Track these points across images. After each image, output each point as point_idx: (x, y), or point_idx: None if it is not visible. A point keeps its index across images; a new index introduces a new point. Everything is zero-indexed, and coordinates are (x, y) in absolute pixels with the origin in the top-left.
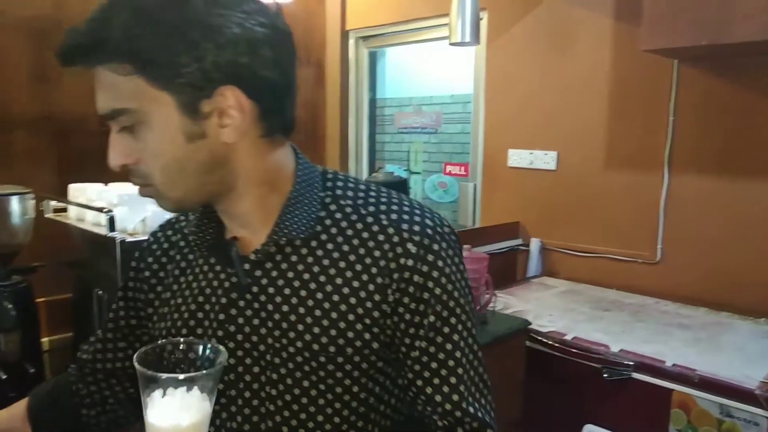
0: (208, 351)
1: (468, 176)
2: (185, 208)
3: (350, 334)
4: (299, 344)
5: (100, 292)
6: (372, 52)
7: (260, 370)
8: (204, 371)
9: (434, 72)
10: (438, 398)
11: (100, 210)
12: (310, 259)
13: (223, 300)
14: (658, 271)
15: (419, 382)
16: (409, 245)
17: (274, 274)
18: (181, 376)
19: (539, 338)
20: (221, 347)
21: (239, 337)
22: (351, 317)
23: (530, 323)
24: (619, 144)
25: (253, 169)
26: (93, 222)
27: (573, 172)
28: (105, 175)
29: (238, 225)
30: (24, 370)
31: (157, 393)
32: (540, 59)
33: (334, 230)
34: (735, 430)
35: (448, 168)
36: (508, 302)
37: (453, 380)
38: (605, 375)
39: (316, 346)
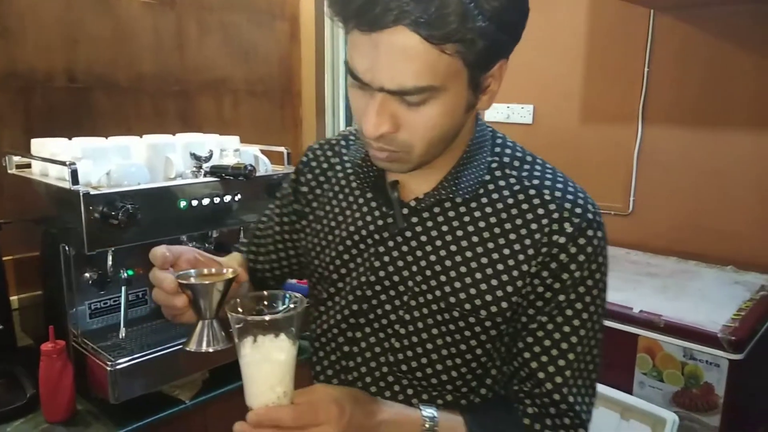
0: (287, 300)
1: None
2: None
3: (488, 298)
4: (438, 293)
5: (67, 248)
6: None
7: (393, 308)
8: (282, 314)
9: None
10: (541, 375)
11: (62, 163)
12: (466, 219)
13: (376, 236)
14: (630, 223)
15: (527, 354)
16: (566, 225)
17: (429, 224)
18: (267, 317)
19: None
20: (301, 296)
21: (381, 273)
22: (494, 282)
23: None
24: (595, 96)
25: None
26: (57, 176)
27: (549, 125)
28: (72, 131)
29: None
30: None
31: (250, 338)
32: None
33: (495, 196)
34: (697, 371)
35: None
36: None
37: (561, 362)
38: None
39: (453, 300)
